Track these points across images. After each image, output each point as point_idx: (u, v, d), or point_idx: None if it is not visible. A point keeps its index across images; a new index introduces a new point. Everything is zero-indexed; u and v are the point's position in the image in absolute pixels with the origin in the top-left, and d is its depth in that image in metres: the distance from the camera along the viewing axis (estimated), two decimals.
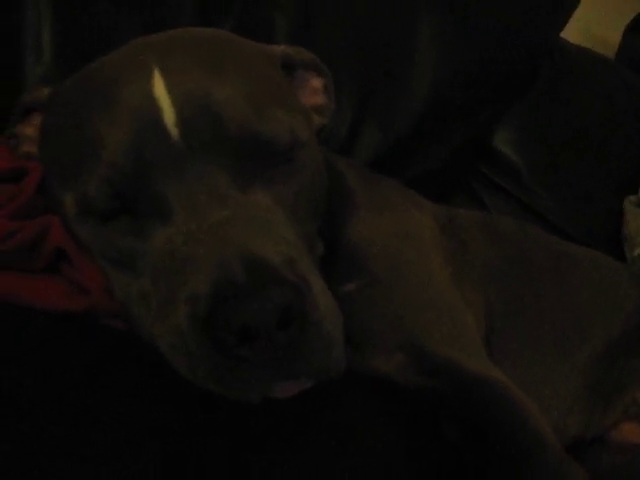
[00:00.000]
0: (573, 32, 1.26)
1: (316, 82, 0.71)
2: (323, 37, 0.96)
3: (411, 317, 0.64)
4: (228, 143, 0.52)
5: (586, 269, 0.87)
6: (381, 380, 0.62)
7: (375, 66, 1.00)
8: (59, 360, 0.50)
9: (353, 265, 0.66)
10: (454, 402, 0.61)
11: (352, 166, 0.79)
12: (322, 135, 0.69)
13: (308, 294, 0.48)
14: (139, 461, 0.45)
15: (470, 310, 0.72)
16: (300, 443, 0.52)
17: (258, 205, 0.53)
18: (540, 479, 0.54)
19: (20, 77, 0.84)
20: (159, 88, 0.53)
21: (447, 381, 0.61)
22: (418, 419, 0.62)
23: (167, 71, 0.54)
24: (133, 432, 0.47)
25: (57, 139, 0.58)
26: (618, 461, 0.75)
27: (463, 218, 0.85)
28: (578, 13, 1.14)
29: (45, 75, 0.83)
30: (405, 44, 1.01)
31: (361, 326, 0.58)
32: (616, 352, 0.82)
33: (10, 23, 0.83)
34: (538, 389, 0.74)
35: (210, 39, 0.60)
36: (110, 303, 0.55)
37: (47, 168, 0.60)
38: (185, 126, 0.52)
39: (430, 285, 0.69)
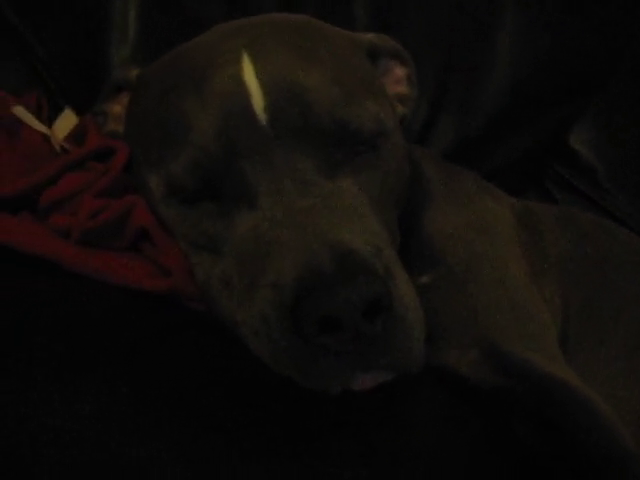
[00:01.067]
0: None
1: (400, 71, 0.70)
2: (403, 27, 0.95)
3: (487, 313, 0.63)
4: (316, 130, 0.52)
5: None
6: (453, 376, 0.61)
7: (454, 58, 0.98)
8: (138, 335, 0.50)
9: (429, 257, 0.65)
10: (529, 403, 0.60)
11: (429, 156, 0.77)
12: (403, 125, 0.68)
13: (394, 286, 0.47)
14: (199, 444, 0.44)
15: (547, 307, 0.70)
16: (372, 437, 0.51)
17: (344, 193, 0.52)
18: None
19: (105, 58, 0.85)
20: (248, 73, 0.53)
21: (522, 382, 0.60)
22: (491, 418, 0.61)
23: (256, 56, 0.54)
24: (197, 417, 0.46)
25: (145, 119, 0.59)
26: None
27: (541, 210, 0.82)
28: None
29: (130, 56, 0.84)
30: (486, 37, 0.98)
31: (435, 319, 0.57)
32: None
33: (97, 3, 0.84)
34: (612, 391, 0.72)
35: (298, 24, 0.60)
36: (191, 285, 0.55)
37: (133, 148, 0.60)
38: (273, 112, 0.52)
39: (507, 281, 0.67)
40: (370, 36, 0.67)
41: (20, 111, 0.67)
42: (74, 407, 0.42)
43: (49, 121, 0.71)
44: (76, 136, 0.66)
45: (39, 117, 0.70)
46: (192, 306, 0.55)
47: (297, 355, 0.45)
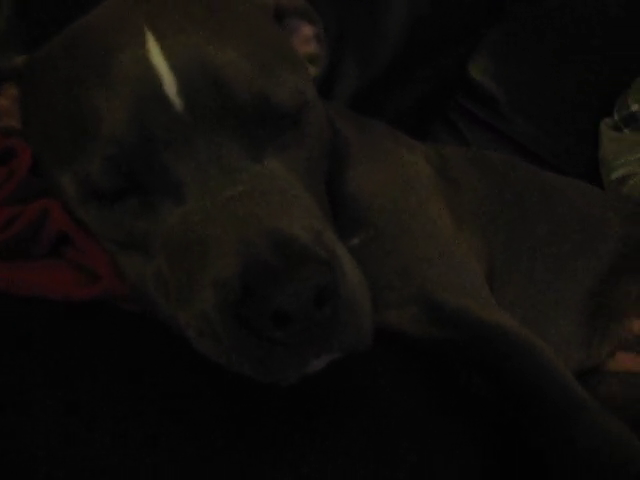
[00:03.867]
0: None
1: (307, 30, 0.67)
2: None
3: (420, 268, 0.64)
4: (236, 110, 0.50)
5: (572, 201, 0.88)
6: (395, 334, 0.62)
7: (350, 7, 0.95)
8: (77, 348, 0.48)
9: (355, 219, 0.64)
10: (472, 351, 0.61)
11: (341, 113, 0.76)
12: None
13: (339, 268, 0.46)
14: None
15: (472, 252, 0.71)
16: (334, 416, 0.51)
17: (274, 175, 0.51)
18: (585, 424, 0.54)
19: None
20: (155, 54, 0.50)
21: (462, 330, 0.62)
22: (438, 371, 0.62)
23: (161, 33, 0.50)
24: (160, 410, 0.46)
25: (45, 114, 0.54)
26: (615, 390, 0.77)
27: (454, 157, 0.84)
28: None
29: (3, 35, 0.76)
30: None
31: (370, 281, 0.57)
32: (607, 280, 0.83)
33: None
34: (540, 329, 0.75)
35: None
36: (123, 288, 0.53)
37: (37, 146, 0.56)
38: (188, 94, 0.49)
39: (435, 233, 0.68)
40: None
41: None
42: None
43: None
44: None
45: None
46: (127, 308, 0.53)
47: (248, 351, 0.44)
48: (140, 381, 0.47)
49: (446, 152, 0.84)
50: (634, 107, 1.09)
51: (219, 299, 0.44)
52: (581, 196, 0.90)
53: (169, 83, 0.49)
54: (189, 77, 0.49)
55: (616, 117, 1.11)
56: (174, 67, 0.49)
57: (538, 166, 0.95)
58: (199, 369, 0.48)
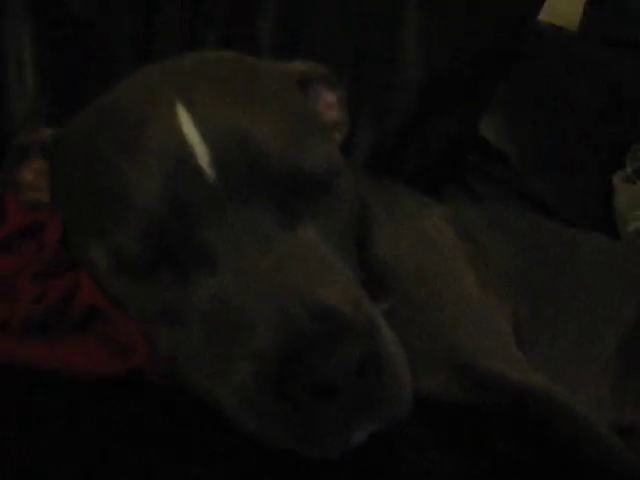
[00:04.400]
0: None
1: (330, 97, 0.68)
2: (308, 40, 0.93)
3: (449, 331, 0.63)
4: (269, 180, 0.50)
5: (596, 257, 0.87)
6: (427, 401, 0.60)
7: (364, 65, 0.97)
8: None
9: (383, 284, 0.63)
10: (506, 415, 0.60)
11: (362, 176, 0.76)
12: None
13: (379, 337, 0.46)
14: None
15: (500, 315, 0.70)
16: None
17: (309, 243, 0.50)
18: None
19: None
20: (187, 125, 0.50)
21: (495, 394, 0.60)
22: (474, 438, 0.60)
23: (192, 104, 0.51)
24: None
25: (76, 188, 0.54)
26: None
27: (473, 217, 0.83)
28: None
29: (29, 109, 0.77)
30: (390, 41, 0.98)
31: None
32: (636, 337, 0.82)
33: None
34: (570, 390, 0.74)
35: (228, 63, 0.57)
36: (156, 362, 0.52)
37: (68, 220, 0.56)
38: (220, 165, 0.49)
39: (463, 295, 0.67)
40: (298, 65, 0.64)
41: None
42: None
43: None
44: None
45: None
46: (160, 382, 0.52)
47: (290, 425, 0.43)
48: (177, 460, 0.46)
49: (467, 213, 0.84)
50: None
51: (259, 371, 0.43)
52: (603, 252, 0.90)
53: (202, 154, 0.49)
54: (221, 148, 0.49)
55: (629, 170, 1.12)
56: (206, 138, 0.49)
57: (553, 222, 0.95)
58: (238, 446, 0.46)
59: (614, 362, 0.79)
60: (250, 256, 0.48)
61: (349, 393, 0.42)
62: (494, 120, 1.10)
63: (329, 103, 0.68)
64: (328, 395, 0.42)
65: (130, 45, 0.69)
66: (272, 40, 0.91)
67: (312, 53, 0.70)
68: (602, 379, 0.77)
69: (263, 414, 0.44)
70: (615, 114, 1.16)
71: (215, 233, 0.48)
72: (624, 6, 1.24)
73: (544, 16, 1.33)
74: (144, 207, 0.48)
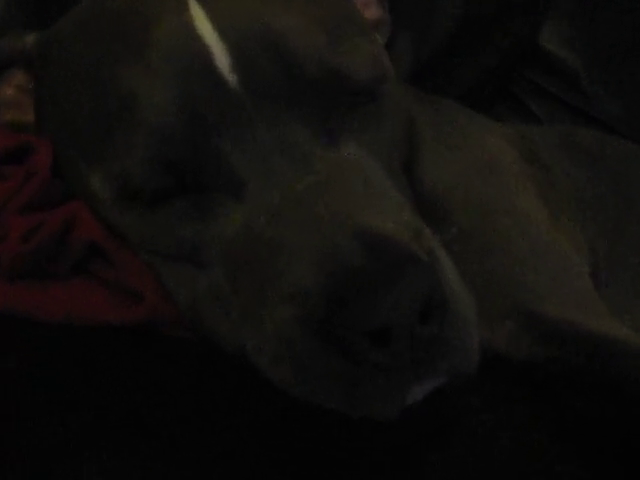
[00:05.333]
0: None
1: None
2: None
3: (514, 274, 0.57)
4: (304, 85, 0.46)
5: None
6: (489, 354, 0.57)
7: None
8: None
9: (434, 217, 0.56)
10: (582, 371, 0.56)
11: (404, 89, 0.70)
12: None
13: (442, 273, 0.42)
14: None
15: (576, 253, 0.66)
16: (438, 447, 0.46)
17: (354, 162, 0.47)
18: None
19: None
20: (200, 20, 0.46)
21: (569, 347, 0.56)
22: (543, 399, 0.57)
23: None
24: None
25: (67, 102, 0.50)
26: None
27: (539, 136, 0.77)
28: None
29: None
30: None
31: None
32: None
33: None
34: None
35: None
36: (172, 309, 0.48)
37: (58, 142, 0.52)
38: (243, 68, 0.45)
39: (530, 230, 0.62)
40: None
41: None
42: None
43: None
44: None
45: None
46: (177, 334, 0.48)
47: (338, 379, 0.40)
48: (200, 430, 0.43)
49: (529, 132, 0.78)
50: None
51: (300, 315, 0.40)
52: None
53: (220, 55, 0.46)
54: (244, 48, 0.46)
55: None
56: (225, 35, 0.46)
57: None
58: (273, 406, 0.43)
59: None
60: (284, 178, 0.45)
61: (409, 341, 0.39)
62: (557, 28, 1.02)
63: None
64: (383, 344, 0.38)
65: None
66: None
67: None
68: None
69: (304, 366, 0.41)
70: None
71: (240, 152, 0.45)
72: None
73: None
74: (152, 122, 0.45)
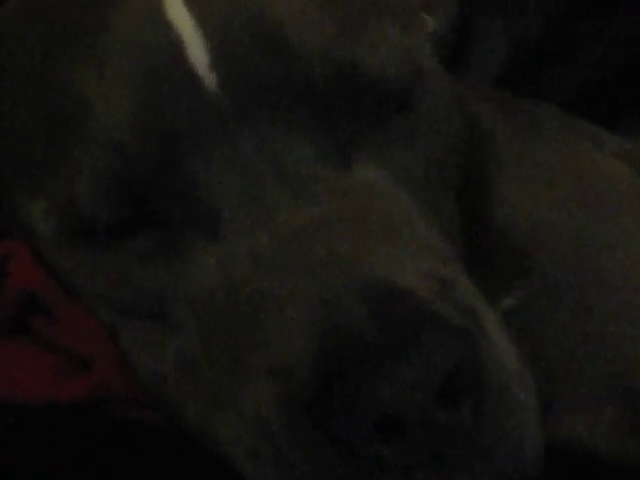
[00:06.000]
0: None
1: None
2: None
3: (624, 346, 0.50)
4: (304, 88, 0.40)
5: None
6: (579, 454, 0.49)
7: None
8: None
9: (513, 265, 0.51)
10: None
11: (480, 93, 0.62)
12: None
13: (484, 342, 0.36)
14: None
15: None
16: None
17: (370, 190, 0.40)
18: None
19: None
20: (173, 4, 0.41)
21: None
22: None
23: None
24: None
25: (2, 110, 0.46)
26: None
27: None
28: None
29: None
30: None
31: (537, 365, 0.45)
32: None
33: None
34: None
35: None
36: (127, 381, 0.44)
37: None
38: (226, 66, 0.40)
39: None
40: None
41: None
42: None
43: None
44: None
45: None
46: (134, 414, 0.44)
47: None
48: None
49: None
50: None
51: (283, 396, 0.35)
52: None
53: (196, 48, 0.40)
54: (229, 38, 0.40)
55: None
56: (204, 22, 0.40)
57: None
58: None
59: None
60: (274, 211, 0.39)
61: (425, 432, 0.33)
62: None
63: None
64: (394, 432, 0.33)
65: None
66: None
67: None
68: None
69: (287, 464, 0.36)
70: None
71: (218, 176, 0.40)
72: None
73: None
74: (106, 136, 0.40)
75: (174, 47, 0.40)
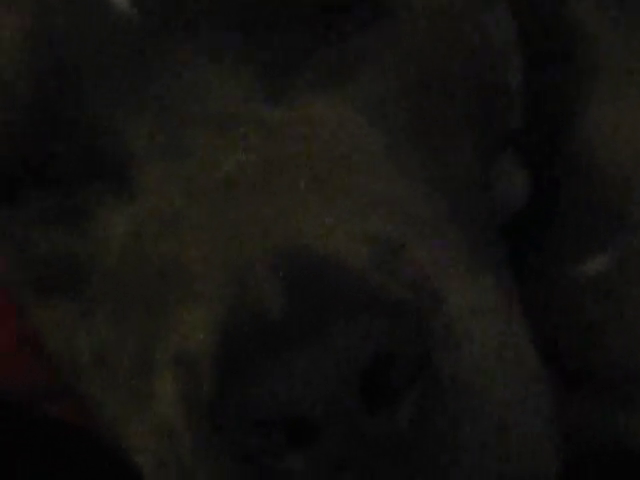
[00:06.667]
0: None
1: None
2: None
3: None
4: (233, 8, 0.33)
5: None
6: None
7: None
8: None
9: (609, 215, 0.43)
10: None
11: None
12: None
13: (436, 323, 0.28)
14: None
15: None
16: None
17: (314, 127, 0.33)
18: None
19: None
20: None
21: None
22: None
23: None
24: None
25: None
26: None
27: None
28: None
29: None
30: None
31: (617, 349, 0.40)
32: None
33: None
34: None
35: None
36: (41, 367, 0.38)
37: None
38: None
39: None
40: None
41: None
42: None
43: None
44: None
45: None
46: (51, 411, 0.39)
47: None
48: None
49: None
50: None
51: (184, 393, 0.30)
52: None
53: None
54: None
55: None
56: None
57: None
58: None
59: None
60: (192, 160, 0.32)
61: (347, 443, 0.27)
62: None
63: None
64: (308, 437, 0.27)
65: None
66: None
67: None
68: None
69: (192, 475, 0.31)
70: None
71: (126, 115, 0.33)
72: None
73: None
74: None
75: None
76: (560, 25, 0.44)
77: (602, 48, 0.44)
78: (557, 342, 0.39)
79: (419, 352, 0.27)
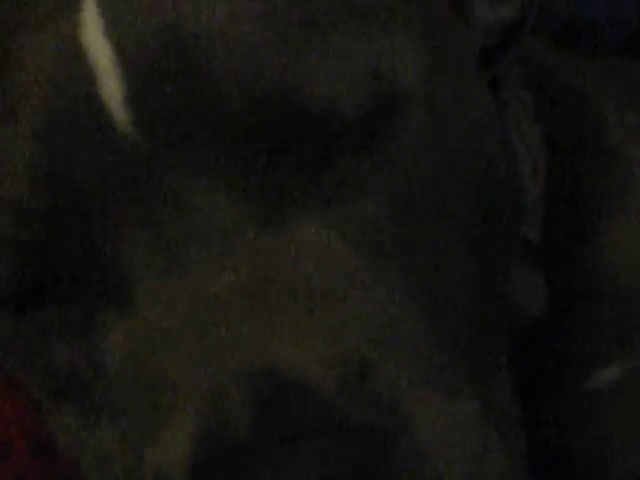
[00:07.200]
0: None
1: None
2: None
3: None
4: (233, 132, 0.33)
5: None
6: None
7: None
8: None
9: (620, 326, 0.42)
10: None
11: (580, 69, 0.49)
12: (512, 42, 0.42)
13: (403, 440, 0.29)
14: None
15: None
16: None
17: (304, 251, 0.34)
18: None
19: None
20: (91, 28, 0.34)
21: None
22: None
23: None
24: None
25: None
26: None
27: None
28: None
29: None
30: None
31: (633, 459, 0.38)
32: None
33: None
34: None
35: None
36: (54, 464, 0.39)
37: None
38: (143, 102, 0.33)
39: None
40: None
41: None
42: None
43: None
44: None
45: None
46: None
47: None
48: None
49: None
50: None
51: None
52: None
53: (110, 80, 0.33)
54: (151, 68, 0.33)
55: None
56: (125, 49, 0.34)
57: None
58: None
59: None
60: (185, 280, 0.33)
61: None
62: None
63: None
64: None
65: None
66: None
67: None
68: None
69: None
70: None
71: (131, 237, 0.34)
72: None
73: None
74: (4, 196, 0.35)
75: (86, 81, 0.34)
76: (586, 131, 0.43)
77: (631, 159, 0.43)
78: (572, 454, 0.38)
79: (382, 476, 0.28)
